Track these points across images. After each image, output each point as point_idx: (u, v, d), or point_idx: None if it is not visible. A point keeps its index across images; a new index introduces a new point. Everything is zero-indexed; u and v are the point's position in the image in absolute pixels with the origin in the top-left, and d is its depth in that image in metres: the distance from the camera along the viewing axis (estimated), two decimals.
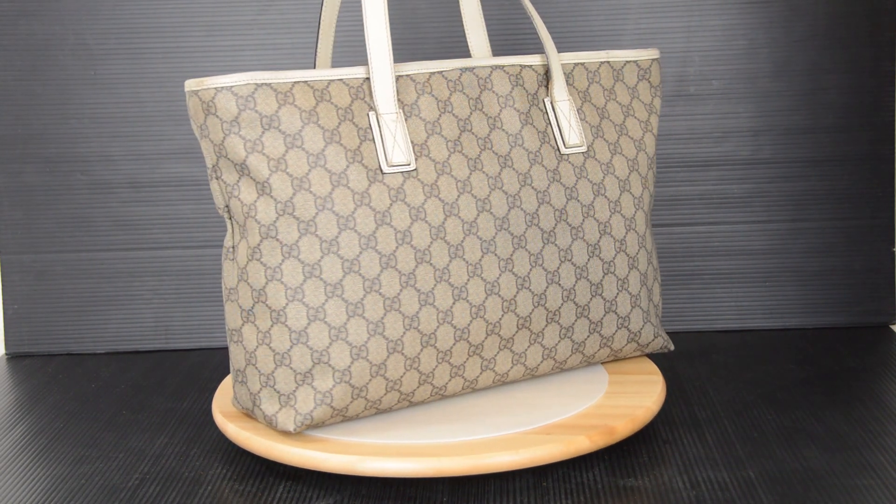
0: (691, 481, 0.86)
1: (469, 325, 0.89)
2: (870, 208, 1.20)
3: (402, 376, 0.88)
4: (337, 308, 0.86)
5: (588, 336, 0.95)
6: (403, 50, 1.19)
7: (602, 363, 1.02)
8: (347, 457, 0.85)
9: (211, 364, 1.18)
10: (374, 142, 0.88)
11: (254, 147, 0.85)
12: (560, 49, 1.19)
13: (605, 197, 0.95)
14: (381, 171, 0.88)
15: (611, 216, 0.96)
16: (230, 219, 0.89)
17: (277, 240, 0.86)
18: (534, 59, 0.97)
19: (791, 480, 0.85)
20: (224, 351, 1.22)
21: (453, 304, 0.88)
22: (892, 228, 1.20)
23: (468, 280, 0.89)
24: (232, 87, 0.85)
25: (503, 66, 0.94)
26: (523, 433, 0.88)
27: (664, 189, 1.20)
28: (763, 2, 1.18)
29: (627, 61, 0.99)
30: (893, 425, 0.95)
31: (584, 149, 0.95)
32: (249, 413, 0.91)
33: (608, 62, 0.99)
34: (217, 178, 0.88)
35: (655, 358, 1.12)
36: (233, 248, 0.89)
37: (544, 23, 1.19)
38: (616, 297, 0.96)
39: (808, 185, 1.20)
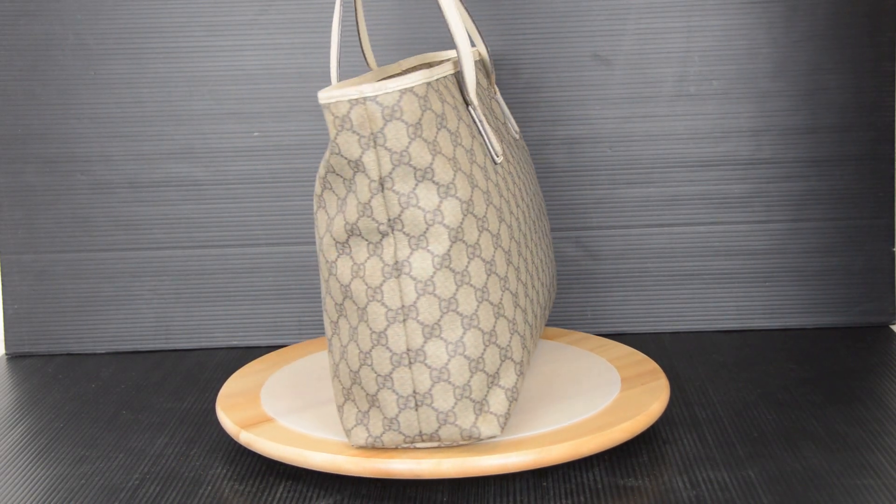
0: (691, 481, 0.86)
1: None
2: (870, 208, 1.20)
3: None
4: (508, 304, 0.86)
5: None
6: (403, 50, 1.19)
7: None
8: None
9: (211, 364, 1.18)
10: (483, 135, 0.89)
11: (434, 149, 0.82)
12: (562, 49, 1.19)
13: None
14: (495, 162, 0.89)
15: None
16: (389, 234, 0.83)
17: (464, 241, 0.83)
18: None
19: (791, 480, 0.85)
20: (224, 351, 1.22)
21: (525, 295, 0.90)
22: (892, 228, 1.20)
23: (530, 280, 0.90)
24: (412, 87, 0.81)
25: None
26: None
27: (664, 189, 1.20)
28: (763, 2, 1.18)
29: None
30: (893, 425, 0.95)
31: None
32: (418, 439, 0.85)
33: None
34: (381, 192, 0.82)
35: (656, 359, 1.12)
36: (405, 261, 0.83)
37: (545, 23, 1.19)
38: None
39: (808, 185, 1.20)
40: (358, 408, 0.85)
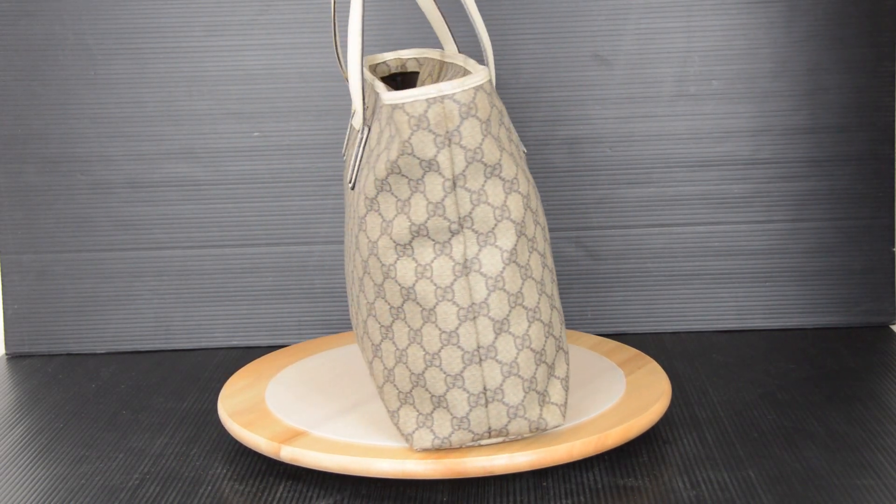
0: (691, 481, 0.86)
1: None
2: (870, 208, 1.20)
3: None
4: (556, 295, 0.88)
5: None
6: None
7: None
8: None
9: (211, 364, 1.18)
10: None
11: (500, 145, 0.83)
12: (562, 49, 1.19)
13: None
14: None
15: None
16: (459, 232, 0.83)
17: (525, 235, 0.84)
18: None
19: (791, 480, 0.85)
20: (224, 351, 1.22)
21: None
22: (892, 228, 1.20)
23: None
24: (482, 84, 0.82)
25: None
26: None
27: (664, 189, 1.20)
28: (763, 2, 1.18)
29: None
30: (893, 425, 0.95)
31: None
32: (486, 435, 0.85)
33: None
34: (453, 191, 0.82)
35: (657, 358, 1.12)
36: (474, 259, 0.83)
37: (545, 23, 1.19)
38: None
39: (808, 185, 1.20)
40: (418, 411, 0.85)
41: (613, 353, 1.05)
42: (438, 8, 1.03)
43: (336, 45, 1.00)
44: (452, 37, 1.03)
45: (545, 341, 0.84)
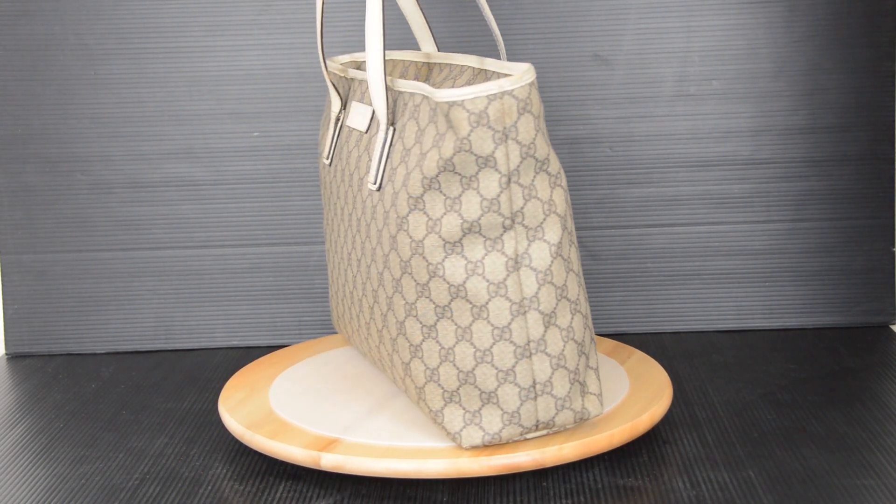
0: (691, 481, 0.86)
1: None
2: (870, 208, 1.20)
3: None
4: (584, 288, 0.89)
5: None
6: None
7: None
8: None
9: (211, 364, 1.18)
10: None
11: (547, 140, 0.84)
12: (562, 49, 1.19)
13: None
14: None
15: None
16: (511, 228, 0.84)
17: (567, 230, 0.85)
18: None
19: (791, 480, 0.85)
20: (224, 351, 1.22)
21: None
22: (892, 228, 1.20)
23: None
24: (533, 80, 0.82)
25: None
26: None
27: (664, 189, 1.20)
28: (763, 2, 1.18)
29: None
30: (893, 425, 0.95)
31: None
32: (533, 429, 0.85)
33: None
34: (508, 187, 0.83)
35: (656, 358, 1.12)
36: (524, 254, 0.84)
37: (545, 23, 1.19)
38: None
39: (808, 185, 1.20)
40: (465, 409, 0.85)
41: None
42: (421, 9, 1.03)
43: (321, 47, 1.00)
44: (433, 37, 1.03)
45: (584, 332, 0.86)
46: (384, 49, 0.87)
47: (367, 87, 0.96)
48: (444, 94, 0.81)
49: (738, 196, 1.20)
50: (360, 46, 1.19)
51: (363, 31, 1.19)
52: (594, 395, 0.87)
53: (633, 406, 0.93)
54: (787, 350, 1.15)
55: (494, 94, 0.80)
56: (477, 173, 0.82)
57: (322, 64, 1.00)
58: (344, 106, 1.01)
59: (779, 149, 1.20)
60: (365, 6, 1.19)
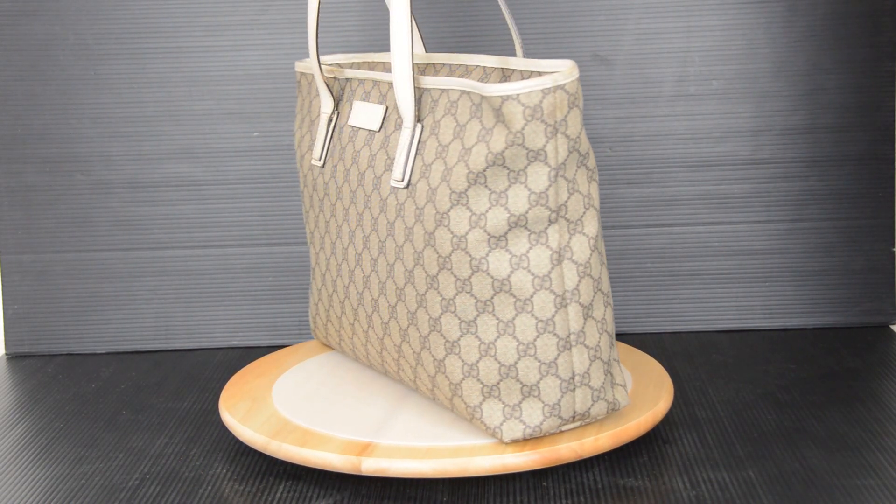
0: (691, 481, 0.86)
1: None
2: (870, 208, 1.20)
3: None
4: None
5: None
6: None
7: None
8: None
9: (211, 364, 1.18)
10: None
11: (587, 135, 0.85)
12: (562, 49, 1.19)
13: None
14: None
15: None
16: (555, 221, 0.84)
17: (600, 223, 0.87)
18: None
19: (791, 480, 0.86)
20: (224, 351, 1.22)
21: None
22: (892, 228, 1.20)
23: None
24: (580, 75, 0.83)
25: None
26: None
27: (664, 189, 1.20)
28: (762, 2, 1.18)
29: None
30: (893, 425, 0.95)
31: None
32: (570, 421, 0.86)
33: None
34: (555, 180, 0.83)
35: (656, 359, 1.12)
36: (566, 247, 0.85)
37: (545, 23, 1.19)
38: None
39: (807, 185, 1.20)
40: (504, 403, 0.85)
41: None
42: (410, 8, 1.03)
43: (316, 48, 1.00)
44: (421, 38, 1.04)
45: (613, 325, 0.88)
46: (412, 47, 0.88)
47: (372, 87, 0.96)
48: (496, 89, 0.81)
49: (738, 196, 1.20)
50: (357, 47, 1.19)
51: (360, 31, 1.19)
52: (621, 385, 0.88)
53: (636, 404, 0.92)
54: (787, 350, 1.15)
55: (549, 89, 0.81)
56: (526, 167, 0.83)
57: (317, 65, 1.00)
58: (336, 106, 1.01)
59: (779, 149, 1.20)
60: (363, 8, 1.19)
